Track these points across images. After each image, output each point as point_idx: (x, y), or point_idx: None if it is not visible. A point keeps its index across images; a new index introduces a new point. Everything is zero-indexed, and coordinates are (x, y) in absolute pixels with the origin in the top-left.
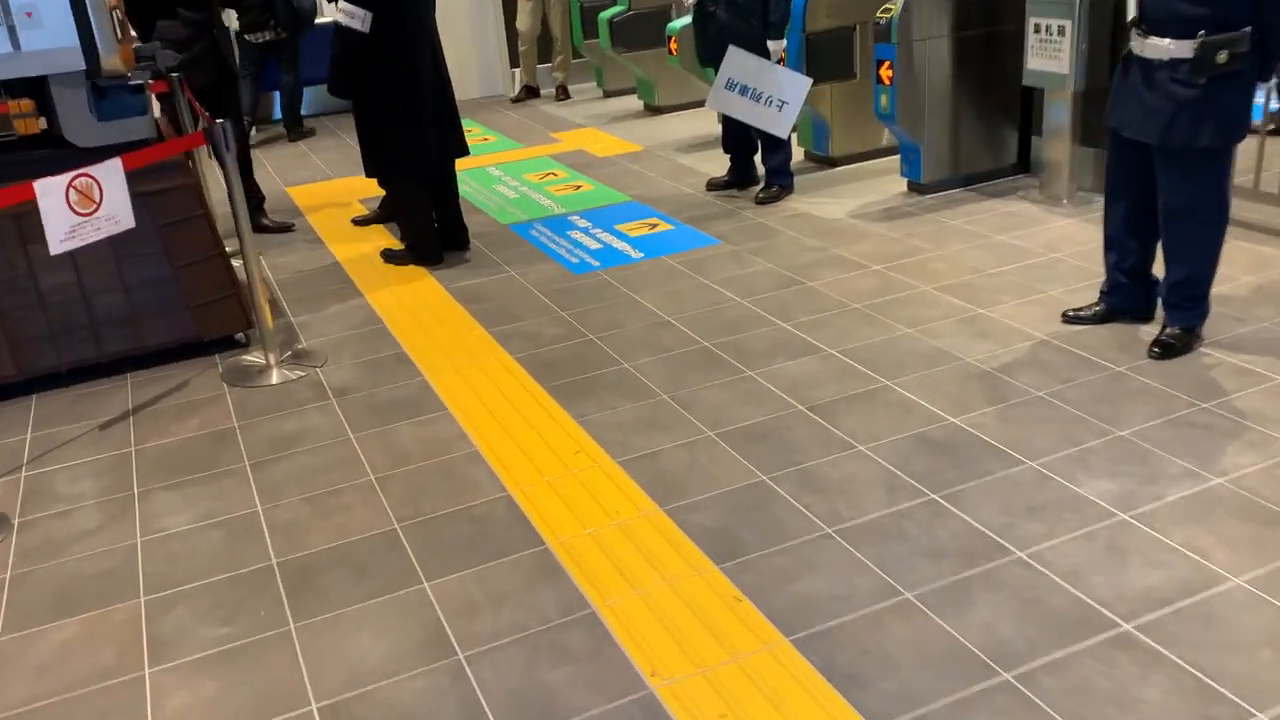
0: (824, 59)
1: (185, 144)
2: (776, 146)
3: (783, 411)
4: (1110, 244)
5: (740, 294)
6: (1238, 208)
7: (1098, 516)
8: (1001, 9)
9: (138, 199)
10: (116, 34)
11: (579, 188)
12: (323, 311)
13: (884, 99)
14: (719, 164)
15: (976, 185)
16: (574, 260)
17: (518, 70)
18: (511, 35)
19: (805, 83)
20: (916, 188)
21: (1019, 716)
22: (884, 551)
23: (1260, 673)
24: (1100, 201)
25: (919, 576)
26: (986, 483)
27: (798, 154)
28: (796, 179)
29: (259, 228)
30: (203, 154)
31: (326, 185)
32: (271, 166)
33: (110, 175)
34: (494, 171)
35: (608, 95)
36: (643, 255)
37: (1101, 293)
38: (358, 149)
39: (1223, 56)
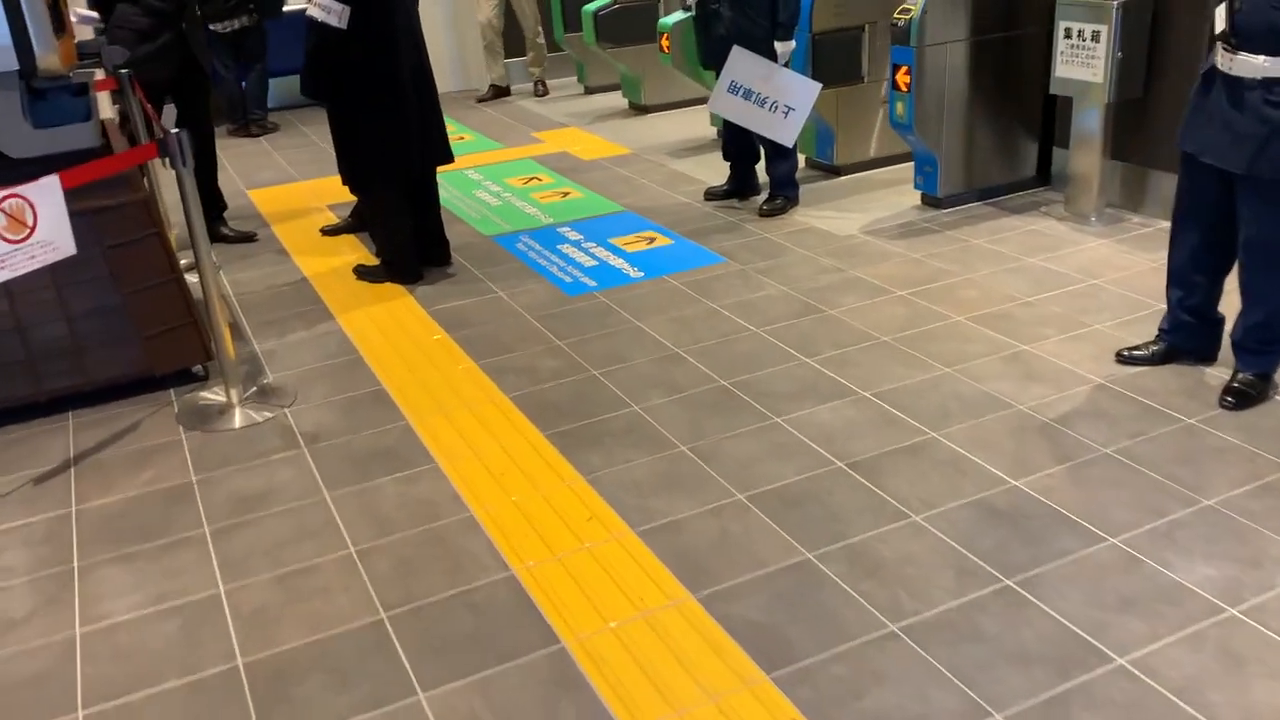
0: (830, 61)
1: (134, 159)
2: (782, 155)
3: (819, 469)
4: (1175, 279)
5: (754, 322)
6: None
7: (1203, 612)
8: (1022, 11)
9: (80, 217)
10: (59, 26)
11: (566, 194)
12: (290, 337)
13: (900, 107)
14: (715, 170)
15: (994, 199)
16: (567, 279)
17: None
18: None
19: (814, 88)
20: (931, 201)
21: None
22: (961, 656)
23: None
24: (1132, 220)
25: (1006, 690)
26: (1066, 565)
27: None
28: (799, 189)
29: (219, 238)
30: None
31: (292, 188)
32: (232, 167)
33: (45, 196)
34: (473, 175)
35: (589, 91)
36: (643, 274)
37: (1161, 331)
38: (325, 147)
39: None
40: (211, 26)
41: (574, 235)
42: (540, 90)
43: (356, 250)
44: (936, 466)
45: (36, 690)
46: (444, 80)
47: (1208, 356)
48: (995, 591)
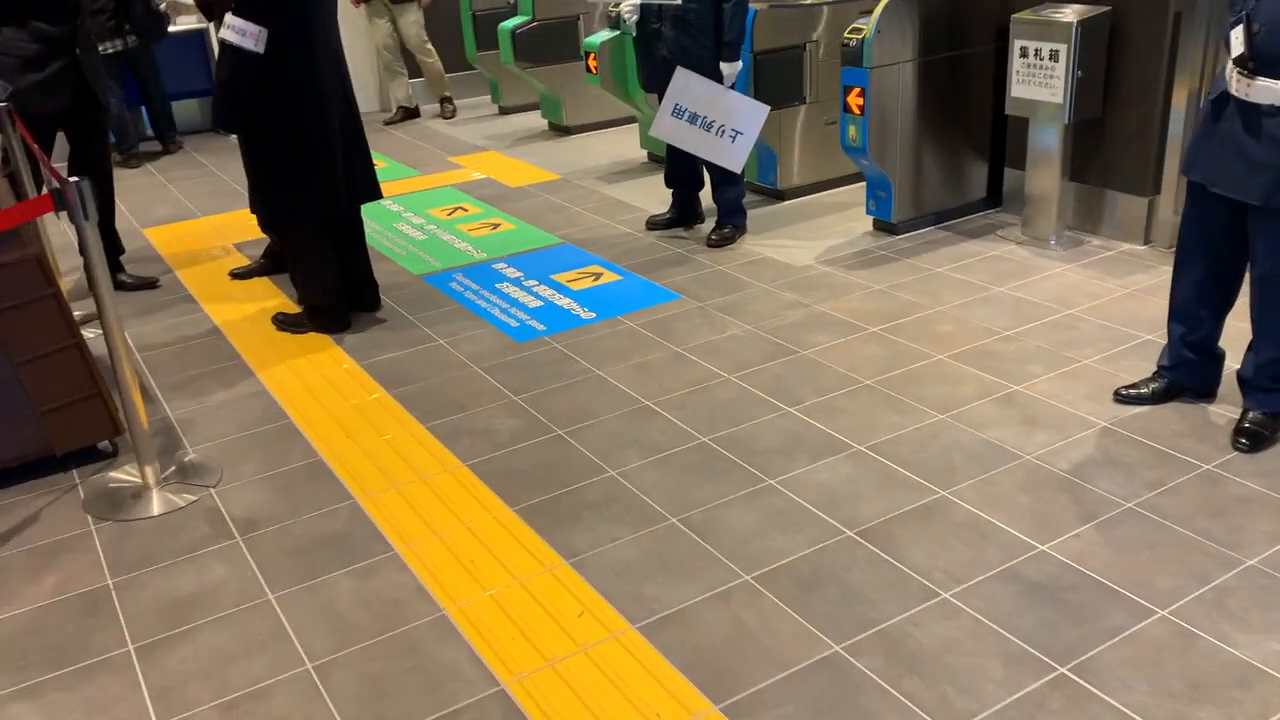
0: (773, 81)
1: (25, 214)
2: (729, 181)
3: (828, 539)
4: (1179, 314)
5: (725, 367)
6: None
7: (1278, 696)
8: (969, 30)
9: None
10: None
11: (497, 226)
12: (208, 400)
13: (853, 130)
14: (652, 196)
15: (947, 223)
16: (513, 324)
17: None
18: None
19: (762, 110)
20: (885, 227)
21: None
22: None
23: None
24: (1092, 243)
25: None
26: (1120, 646)
27: None
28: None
29: (118, 286)
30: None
31: (193, 225)
32: (123, 203)
33: None
34: (392, 206)
35: (504, 112)
36: (595, 315)
37: (1161, 368)
38: (224, 177)
39: None
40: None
41: (512, 272)
42: (448, 111)
43: (273, 295)
44: (955, 531)
45: None
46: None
47: (1208, 393)
48: (1051, 682)
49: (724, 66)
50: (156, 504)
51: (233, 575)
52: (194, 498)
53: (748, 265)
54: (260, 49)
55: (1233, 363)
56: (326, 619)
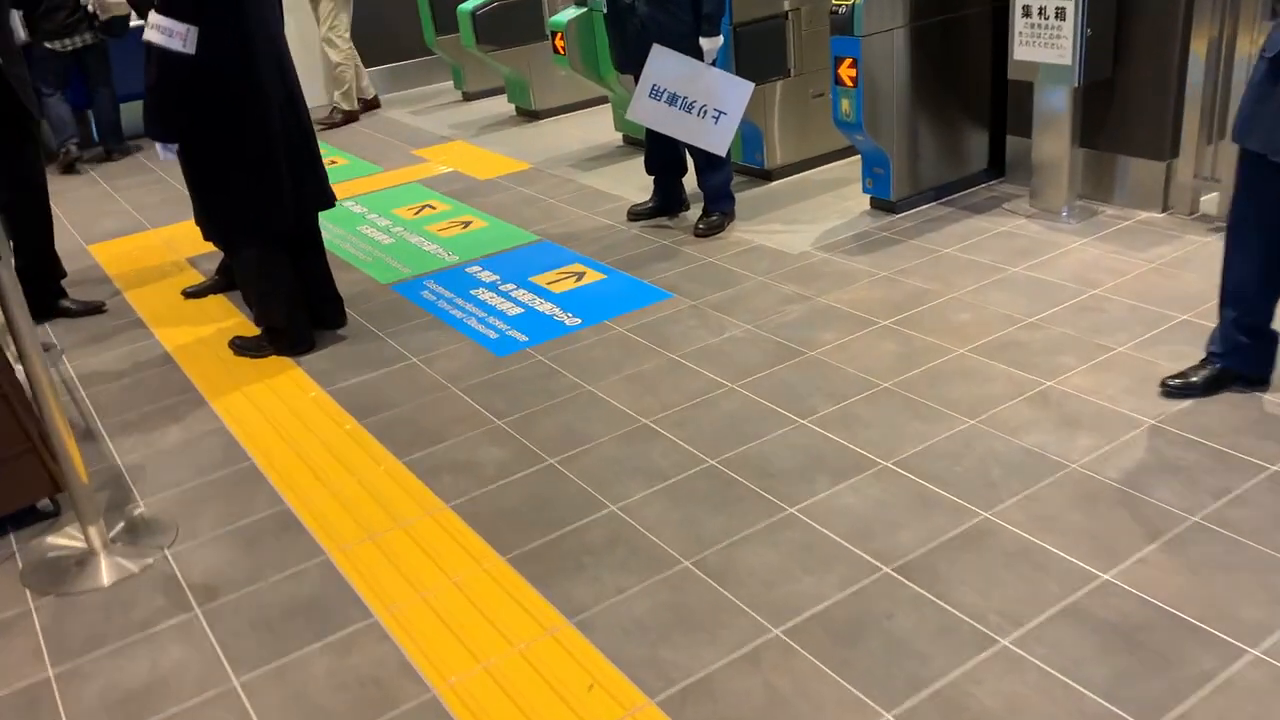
0: (754, 55)
1: None
2: (714, 165)
3: (863, 579)
4: (1232, 296)
5: (728, 374)
6: None
7: None
8: None
9: None
10: None
11: (468, 224)
12: (160, 442)
13: (846, 104)
14: (631, 184)
15: (949, 198)
16: (492, 335)
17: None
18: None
19: (747, 88)
20: (884, 205)
21: None
22: None
23: None
24: (1106, 213)
25: None
26: (1214, 697)
27: None
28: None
29: (59, 313)
30: None
31: (143, 239)
32: (67, 216)
33: None
34: (354, 207)
35: (468, 98)
36: (581, 322)
37: (1212, 354)
38: (178, 185)
39: None
40: (49, 45)
41: (488, 276)
42: (335, 118)
43: (230, 314)
44: (1005, 562)
45: None
46: (307, 95)
47: (1262, 379)
48: None
49: (704, 42)
50: (105, 572)
51: (192, 657)
52: (148, 561)
53: (740, 255)
54: (190, 50)
55: None
56: (300, 708)
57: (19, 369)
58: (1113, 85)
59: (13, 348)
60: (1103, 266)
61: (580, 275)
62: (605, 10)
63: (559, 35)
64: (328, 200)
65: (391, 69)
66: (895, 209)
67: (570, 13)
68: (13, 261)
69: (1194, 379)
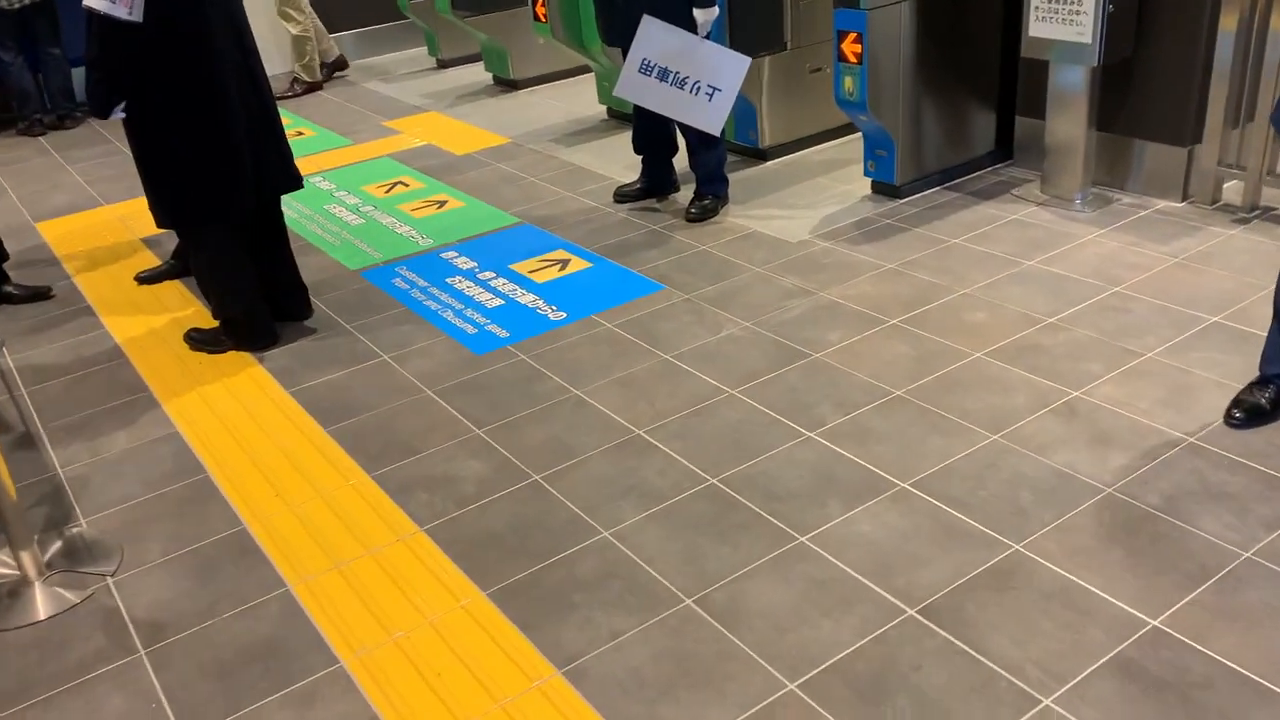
0: (749, 27)
1: None
2: (708, 145)
3: (886, 623)
4: None
5: (727, 379)
6: None
7: None
8: None
9: None
10: None
11: (443, 204)
12: (106, 449)
13: (850, 82)
14: (617, 162)
15: (955, 182)
16: (470, 330)
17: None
18: None
19: (743, 63)
20: (887, 190)
21: None
22: None
23: None
24: (1121, 201)
25: None
26: None
27: None
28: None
29: (3, 299)
30: None
31: (94, 216)
32: (14, 190)
33: None
34: (322, 184)
35: (442, 65)
36: (566, 316)
37: (1272, 375)
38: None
39: None
40: None
41: (465, 262)
42: (295, 90)
43: (187, 303)
44: (1042, 605)
45: None
46: (271, 62)
47: None
48: None
49: (698, 13)
50: (40, 604)
51: (133, 711)
52: (87, 592)
53: (735, 243)
54: (136, 18)
55: None
56: None
57: None
58: (1132, 64)
59: None
60: (1123, 260)
61: (564, 263)
62: None
63: (540, 2)
64: (292, 182)
65: (361, 34)
66: (899, 193)
67: None
68: None
69: (1260, 400)
